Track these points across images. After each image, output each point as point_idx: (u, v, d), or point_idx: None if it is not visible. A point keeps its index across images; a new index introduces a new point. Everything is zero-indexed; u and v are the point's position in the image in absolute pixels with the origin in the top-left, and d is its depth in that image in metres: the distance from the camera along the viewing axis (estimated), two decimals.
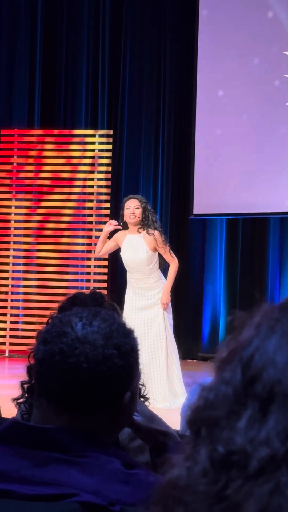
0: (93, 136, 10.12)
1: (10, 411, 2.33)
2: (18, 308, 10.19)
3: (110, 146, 10.07)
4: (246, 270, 10.03)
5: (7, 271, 10.10)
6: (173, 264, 7.00)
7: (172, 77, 10.37)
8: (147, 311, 6.93)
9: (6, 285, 10.07)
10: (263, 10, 9.35)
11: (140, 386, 2.26)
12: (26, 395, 2.21)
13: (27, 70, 10.52)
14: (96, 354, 1.47)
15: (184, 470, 0.63)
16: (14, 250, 10.12)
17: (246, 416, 0.62)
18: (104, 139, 10.11)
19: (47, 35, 10.56)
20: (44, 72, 10.59)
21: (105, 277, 9.87)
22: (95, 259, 9.77)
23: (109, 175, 10.01)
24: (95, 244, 9.71)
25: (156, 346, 6.87)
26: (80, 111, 10.55)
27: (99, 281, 9.85)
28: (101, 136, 10.12)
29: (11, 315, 10.08)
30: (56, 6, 10.54)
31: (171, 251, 7.01)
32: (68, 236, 10.04)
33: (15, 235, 10.16)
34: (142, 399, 2.36)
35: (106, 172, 10.02)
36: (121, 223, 7.14)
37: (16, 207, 10.14)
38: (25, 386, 2.20)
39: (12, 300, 10.13)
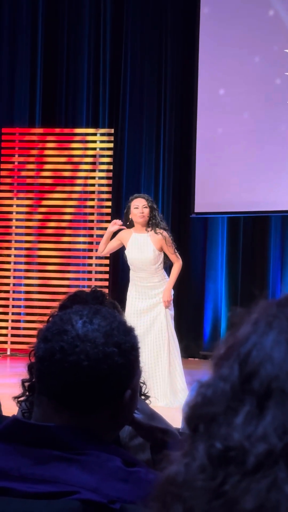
0: (94, 134, 10.11)
1: (12, 410, 2.34)
2: (19, 306, 10.19)
3: (111, 145, 10.06)
4: (247, 269, 10.03)
5: (8, 269, 10.10)
6: (177, 264, 7.01)
7: (173, 76, 10.37)
8: (150, 312, 6.94)
9: (8, 284, 10.07)
10: (264, 9, 9.35)
11: (141, 384, 2.26)
12: (27, 393, 2.22)
13: (28, 69, 10.52)
14: (96, 352, 1.47)
15: (182, 467, 0.63)
16: (16, 249, 10.12)
17: (243, 412, 0.62)
18: (105, 138, 10.10)
19: (48, 34, 10.56)
20: (45, 71, 10.59)
21: (107, 276, 9.87)
22: (96, 257, 9.77)
23: (110, 174, 10.01)
24: (97, 243, 9.72)
25: (159, 344, 6.88)
26: (81, 110, 10.55)
27: (101, 279, 9.85)
28: (102, 135, 10.12)
29: (13, 313, 10.08)
30: (57, 5, 10.54)
31: (176, 251, 7.02)
32: (70, 235, 10.04)
33: (16, 234, 10.16)
34: (143, 397, 2.36)
35: (107, 170, 10.01)
36: (127, 223, 7.11)
37: (18, 205, 10.14)
38: (26, 384, 2.20)
39: (13, 299, 10.13)
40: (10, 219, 10.16)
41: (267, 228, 9.94)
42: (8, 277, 10.09)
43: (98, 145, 10.07)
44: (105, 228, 9.53)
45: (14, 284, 10.09)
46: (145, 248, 6.97)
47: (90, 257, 9.92)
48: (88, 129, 10.26)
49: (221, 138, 9.54)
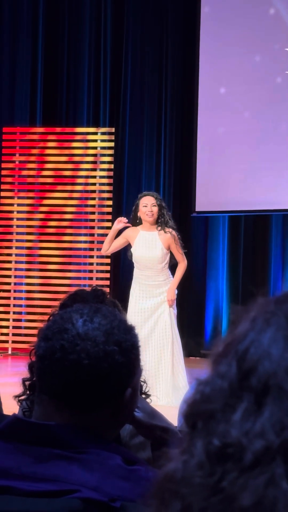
0: (95, 133, 10.11)
1: (13, 409, 2.34)
2: (20, 306, 10.19)
3: (112, 144, 10.06)
4: (248, 267, 10.03)
5: (9, 269, 10.10)
6: (183, 264, 7.01)
7: (174, 75, 10.37)
8: (154, 313, 6.94)
9: (9, 283, 10.07)
10: (264, 7, 9.35)
11: (142, 383, 2.26)
12: (28, 392, 2.22)
13: (29, 67, 10.52)
14: (97, 350, 1.47)
15: (180, 464, 0.63)
16: (17, 248, 10.12)
17: (241, 408, 0.62)
18: (106, 137, 10.10)
19: (49, 32, 10.56)
20: (46, 70, 10.59)
21: (108, 275, 9.87)
22: (98, 257, 9.77)
23: (111, 173, 10.00)
24: (98, 242, 9.73)
25: (162, 343, 6.88)
26: (82, 109, 10.55)
27: (102, 278, 9.85)
28: (103, 133, 10.12)
29: (14, 313, 10.08)
30: (58, 4, 10.54)
31: (183, 251, 7.02)
32: (70, 234, 10.04)
33: (17, 233, 10.16)
34: (143, 396, 2.36)
35: (108, 169, 10.01)
36: (137, 221, 7.09)
37: (18, 205, 10.13)
38: (27, 383, 2.20)
39: (14, 298, 10.13)
40: (11, 219, 10.16)
41: (268, 227, 9.94)
42: (9, 276, 10.09)
43: (99, 144, 10.07)
44: (106, 227, 9.56)
45: (15, 283, 10.09)
46: (153, 246, 6.96)
47: (91, 256, 9.92)
48: (89, 128, 10.26)
49: (222, 137, 9.54)
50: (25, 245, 10.16)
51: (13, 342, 9.88)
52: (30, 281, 10.10)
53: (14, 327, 10.01)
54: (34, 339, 1.60)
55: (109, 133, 10.13)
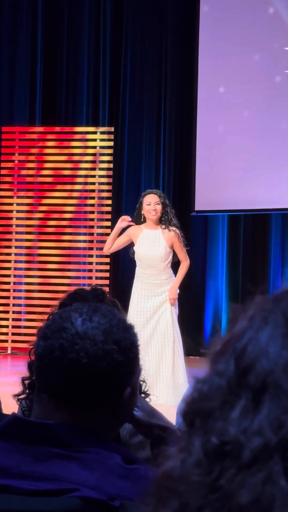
0: (95, 133, 10.11)
1: (12, 408, 2.34)
2: (20, 305, 10.20)
3: (111, 143, 10.06)
4: (248, 267, 10.03)
5: (9, 268, 10.11)
6: (185, 263, 7.01)
7: (173, 74, 10.37)
8: (155, 313, 6.94)
9: (8, 283, 10.07)
10: (264, 6, 9.35)
11: (141, 382, 2.26)
12: (27, 391, 2.22)
13: (28, 67, 10.52)
14: (96, 349, 1.47)
15: (178, 462, 0.63)
16: (16, 247, 10.12)
17: (239, 406, 0.62)
18: (105, 136, 10.10)
19: (48, 32, 10.56)
20: (45, 69, 10.59)
21: (107, 274, 9.88)
22: (97, 256, 9.78)
23: (110, 172, 10.00)
24: (97, 241, 9.74)
25: (164, 342, 6.88)
26: (81, 108, 10.55)
27: (101, 278, 9.85)
28: (102, 133, 10.12)
29: (13, 312, 10.08)
30: (57, 4, 10.54)
31: (185, 250, 7.02)
32: (70, 233, 10.04)
33: (16, 233, 10.16)
34: (142, 395, 2.36)
35: (108, 169, 10.01)
36: (141, 219, 7.08)
37: (18, 204, 10.13)
38: (26, 382, 2.20)
39: (14, 298, 10.13)
40: (11, 218, 10.16)
41: (268, 226, 9.95)
42: (8, 275, 10.09)
43: (98, 143, 10.07)
44: (106, 226, 9.57)
45: (14, 283, 10.10)
46: (156, 245, 6.95)
47: (91, 256, 9.92)
48: (88, 127, 10.26)
49: (222, 135, 9.54)
50: (25, 244, 10.16)
51: (13, 341, 9.89)
52: (29, 281, 10.10)
53: (13, 327, 10.01)
54: (34, 338, 1.60)
55: (109, 133, 10.13)
